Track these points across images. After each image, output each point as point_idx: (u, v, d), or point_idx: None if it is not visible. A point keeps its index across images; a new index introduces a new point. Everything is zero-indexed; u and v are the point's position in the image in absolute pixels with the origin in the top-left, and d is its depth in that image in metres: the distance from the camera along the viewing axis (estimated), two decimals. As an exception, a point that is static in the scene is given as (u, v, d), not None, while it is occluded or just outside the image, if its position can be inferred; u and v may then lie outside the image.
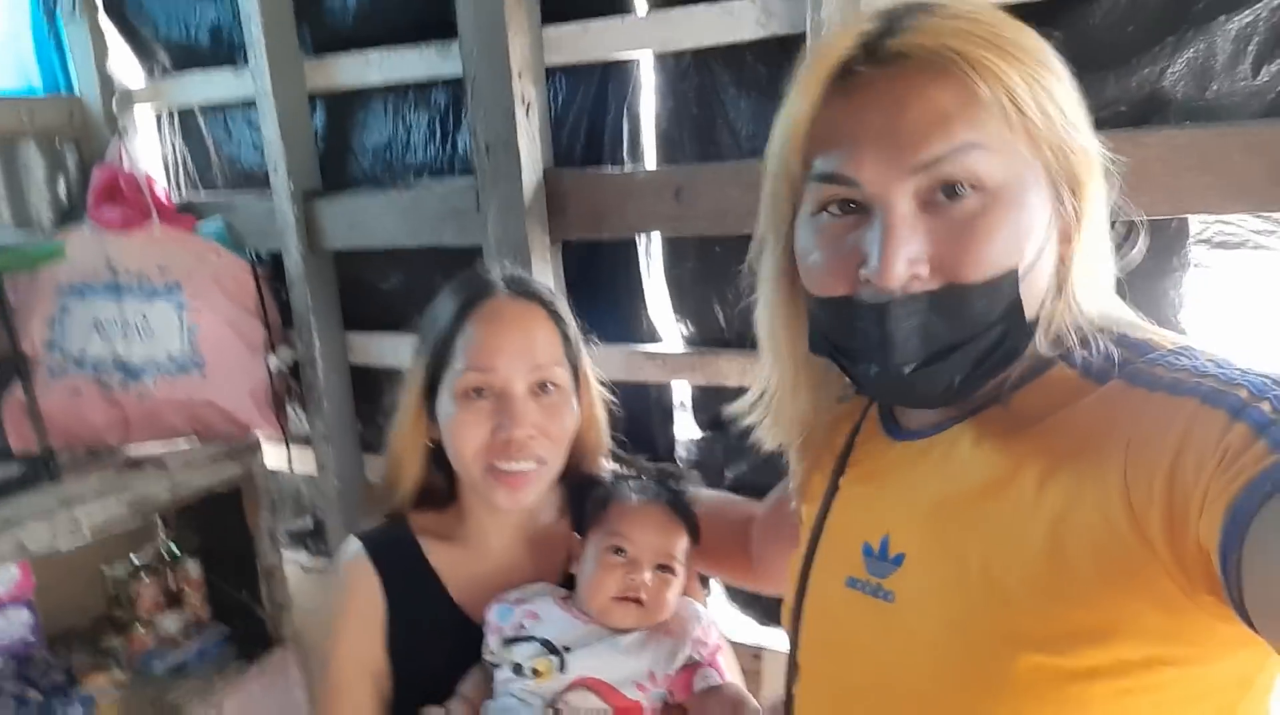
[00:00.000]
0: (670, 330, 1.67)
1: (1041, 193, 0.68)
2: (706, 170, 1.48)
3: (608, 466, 1.23)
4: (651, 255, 1.65)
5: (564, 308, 1.14)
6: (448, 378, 1.07)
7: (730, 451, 1.63)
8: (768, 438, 0.89)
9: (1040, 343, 0.70)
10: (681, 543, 1.05)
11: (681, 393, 1.69)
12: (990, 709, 0.65)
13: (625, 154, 1.61)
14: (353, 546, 1.15)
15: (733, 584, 1.66)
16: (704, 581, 1.65)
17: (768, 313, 0.83)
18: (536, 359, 1.06)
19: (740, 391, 0.84)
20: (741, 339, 1.58)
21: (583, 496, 1.14)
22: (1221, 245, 1.16)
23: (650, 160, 1.61)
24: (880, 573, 0.76)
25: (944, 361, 0.69)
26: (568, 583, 1.11)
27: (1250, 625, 0.54)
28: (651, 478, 1.11)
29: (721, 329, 1.60)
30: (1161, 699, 0.62)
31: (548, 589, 1.08)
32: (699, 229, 1.50)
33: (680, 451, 1.70)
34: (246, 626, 2.03)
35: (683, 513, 1.06)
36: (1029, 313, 0.68)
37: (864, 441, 0.86)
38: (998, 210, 0.66)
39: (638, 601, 1.00)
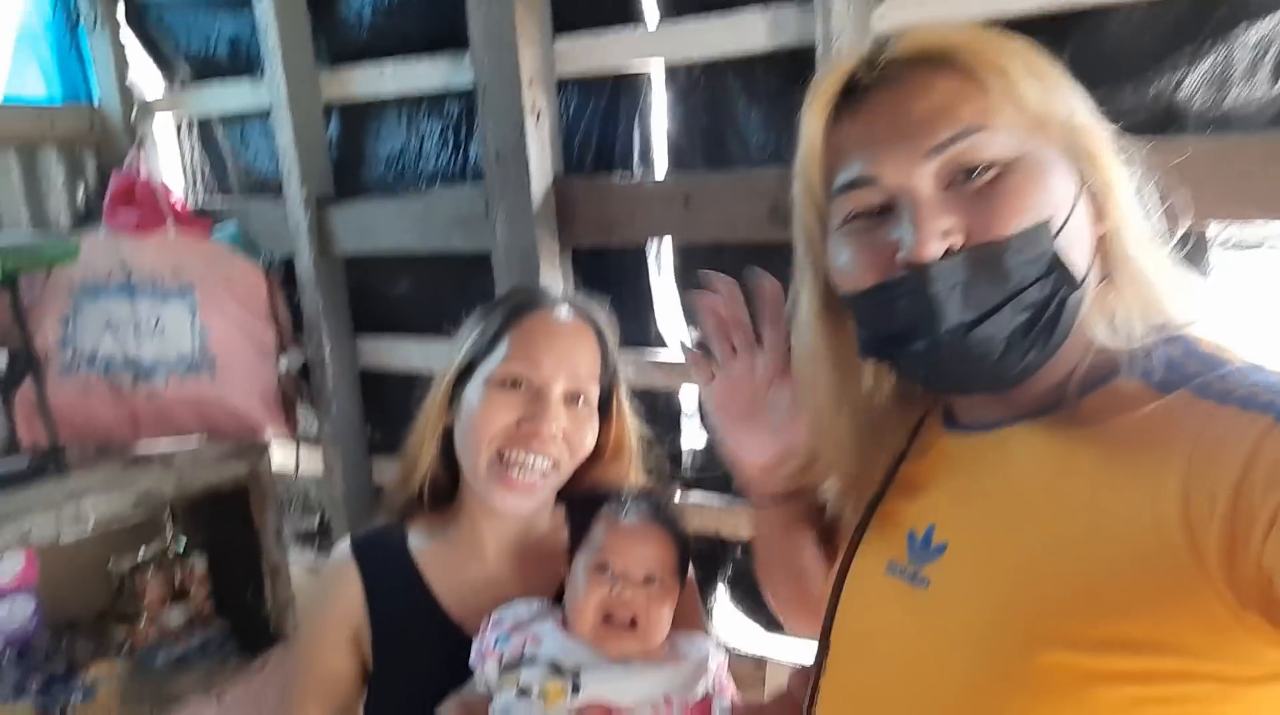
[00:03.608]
0: (679, 337, 1.57)
1: (1061, 164, 0.65)
2: (716, 179, 1.40)
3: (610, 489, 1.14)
4: (661, 262, 1.56)
5: (613, 337, 1.11)
6: (486, 364, 1.02)
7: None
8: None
9: (1097, 330, 0.64)
10: (669, 556, 0.95)
11: (689, 400, 1.59)
12: (1007, 701, 0.59)
13: (636, 163, 1.53)
14: (340, 548, 1.10)
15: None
16: (704, 596, 1.55)
17: (808, 353, 0.78)
18: (577, 370, 1.03)
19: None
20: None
21: (583, 516, 1.06)
22: (1237, 247, 1.08)
23: (660, 170, 1.52)
24: (920, 560, 0.70)
25: (994, 319, 0.63)
26: (560, 599, 1.01)
27: None
28: (637, 495, 1.01)
29: (729, 336, 1.50)
30: (1186, 712, 0.55)
31: (544, 610, 0.98)
32: (708, 236, 1.41)
33: (687, 459, 1.59)
34: (249, 623, 1.91)
35: (670, 528, 0.97)
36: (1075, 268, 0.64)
37: (925, 433, 0.79)
38: (1018, 174, 0.63)
39: (632, 625, 0.91)
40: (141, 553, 1.95)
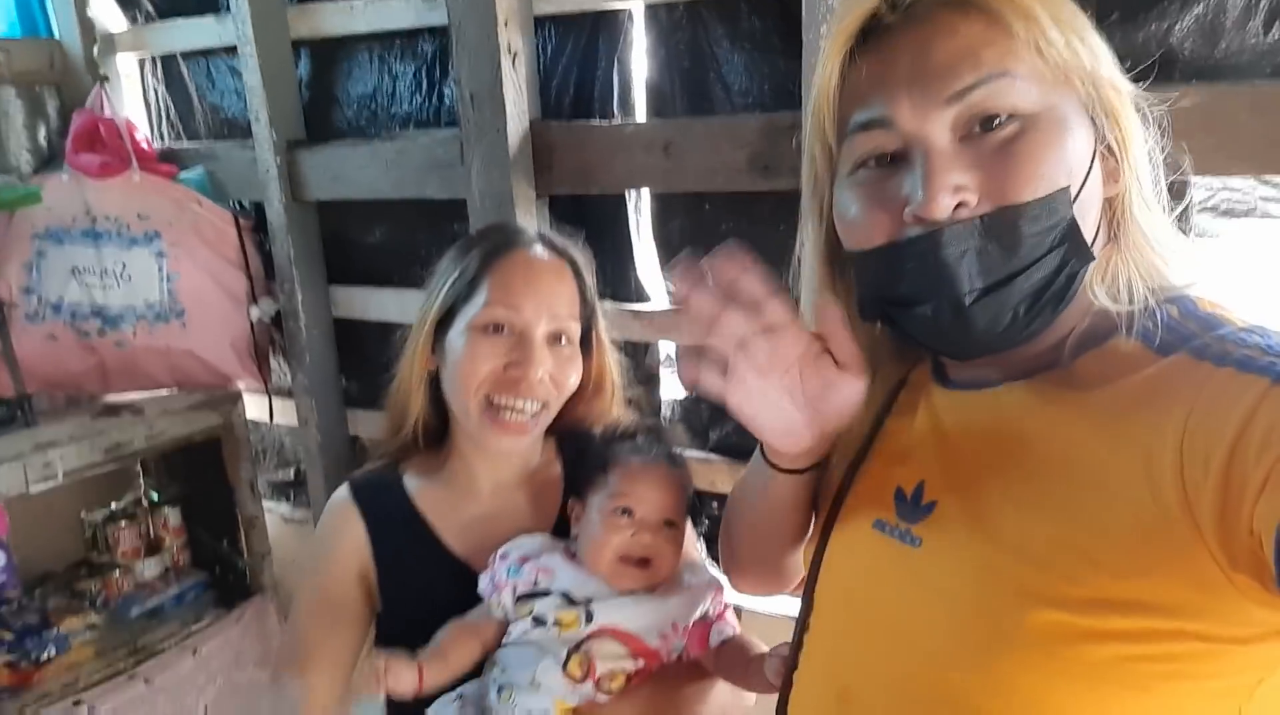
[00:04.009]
0: (658, 288, 1.56)
1: (1081, 121, 0.63)
2: (697, 125, 1.37)
3: (598, 424, 1.15)
4: (641, 212, 1.54)
5: (588, 270, 1.11)
6: (467, 310, 1.02)
7: (714, 413, 1.53)
8: None
9: (1097, 292, 0.63)
10: (683, 499, 0.98)
11: (668, 352, 1.58)
12: (997, 659, 0.60)
13: (615, 107, 1.50)
14: (341, 491, 1.11)
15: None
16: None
17: (814, 305, 0.75)
18: (558, 310, 1.03)
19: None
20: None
21: (575, 448, 1.08)
22: (1228, 213, 1.07)
23: (640, 114, 1.49)
24: (910, 518, 0.69)
25: (1005, 290, 0.62)
26: (557, 531, 1.04)
27: None
28: (644, 436, 1.03)
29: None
30: (1175, 670, 0.56)
31: (550, 543, 1.00)
32: (688, 185, 1.39)
33: (665, 412, 1.60)
34: (226, 574, 1.93)
35: (681, 470, 1.00)
36: (1087, 235, 0.62)
37: (912, 388, 0.78)
38: (1038, 132, 0.61)
39: (644, 562, 0.93)
40: (114, 505, 1.96)
